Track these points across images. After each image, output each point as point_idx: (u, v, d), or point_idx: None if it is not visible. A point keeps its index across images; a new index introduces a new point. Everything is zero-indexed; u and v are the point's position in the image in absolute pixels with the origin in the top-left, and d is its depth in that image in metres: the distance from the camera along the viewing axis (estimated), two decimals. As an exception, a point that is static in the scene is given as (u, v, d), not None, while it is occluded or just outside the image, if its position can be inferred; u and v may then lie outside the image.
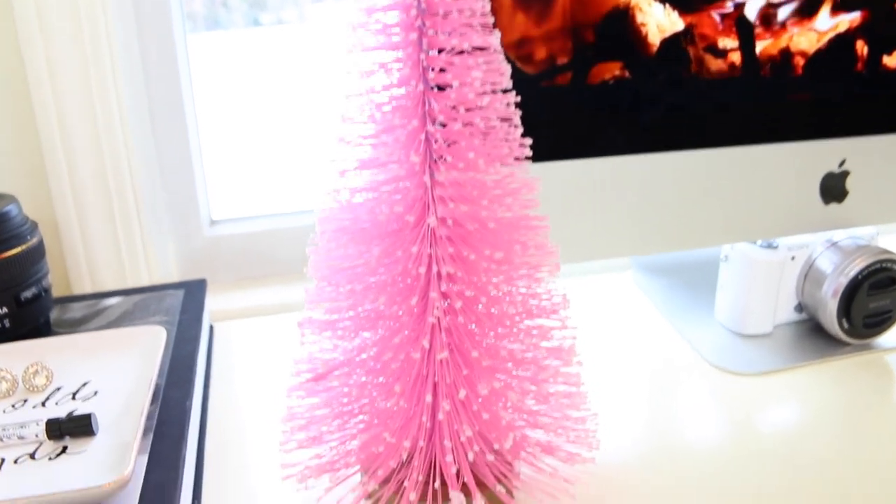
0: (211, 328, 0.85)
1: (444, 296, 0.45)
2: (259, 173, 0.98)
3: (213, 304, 0.92)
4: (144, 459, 0.54)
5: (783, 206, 0.77)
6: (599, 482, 0.59)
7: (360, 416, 0.49)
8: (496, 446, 0.48)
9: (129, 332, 0.66)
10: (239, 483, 0.60)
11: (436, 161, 0.44)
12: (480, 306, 0.45)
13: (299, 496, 0.58)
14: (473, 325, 0.47)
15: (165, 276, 0.93)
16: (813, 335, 0.80)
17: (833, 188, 0.78)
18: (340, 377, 0.48)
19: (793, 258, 0.78)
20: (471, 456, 0.47)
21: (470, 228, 0.44)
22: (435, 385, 0.46)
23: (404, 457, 0.48)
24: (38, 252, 0.70)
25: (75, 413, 0.56)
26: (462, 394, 0.45)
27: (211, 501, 0.58)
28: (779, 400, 0.69)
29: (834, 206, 0.78)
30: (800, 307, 0.81)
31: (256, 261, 0.99)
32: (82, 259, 0.87)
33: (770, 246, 0.78)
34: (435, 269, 0.44)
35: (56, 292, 0.88)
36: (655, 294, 0.90)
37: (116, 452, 0.51)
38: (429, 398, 0.46)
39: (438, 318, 0.45)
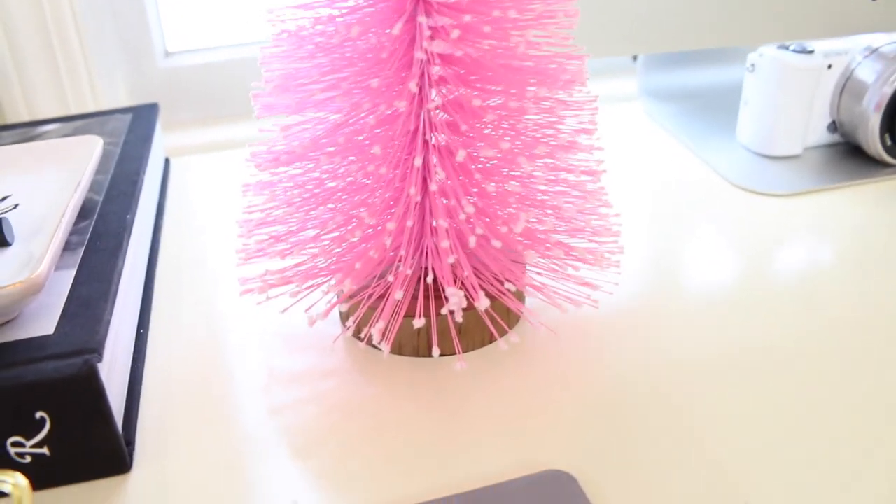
0: (167, 161, 0.74)
1: (437, 30, 0.35)
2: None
3: (171, 140, 0.82)
4: (72, 274, 0.44)
5: (822, 1, 0.66)
6: (619, 303, 0.50)
7: (333, 199, 0.39)
8: (504, 229, 0.38)
9: (58, 144, 0.55)
10: (194, 312, 0.51)
11: None
12: (486, 44, 0.35)
13: (262, 312, 0.49)
14: (475, 77, 0.36)
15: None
16: (849, 157, 0.70)
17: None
18: (304, 150, 0.38)
19: (829, 67, 0.68)
20: (472, 241, 0.37)
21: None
22: (426, 146, 0.36)
23: (388, 243, 0.38)
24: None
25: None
26: (461, 155, 0.35)
27: (160, 331, 0.49)
28: (811, 223, 0.59)
29: (882, 1, 0.67)
30: (833, 126, 0.71)
31: (217, 95, 0.88)
32: (17, 91, 0.76)
33: (804, 51, 0.67)
34: (424, -16, 0.34)
35: (-13, 124, 0.77)
36: (668, 122, 0.80)
37: (33, 262, 0.42)
38: (418, 161, 0.36)
39: (429, 54, 0.34)
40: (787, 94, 0.68)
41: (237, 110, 0.89)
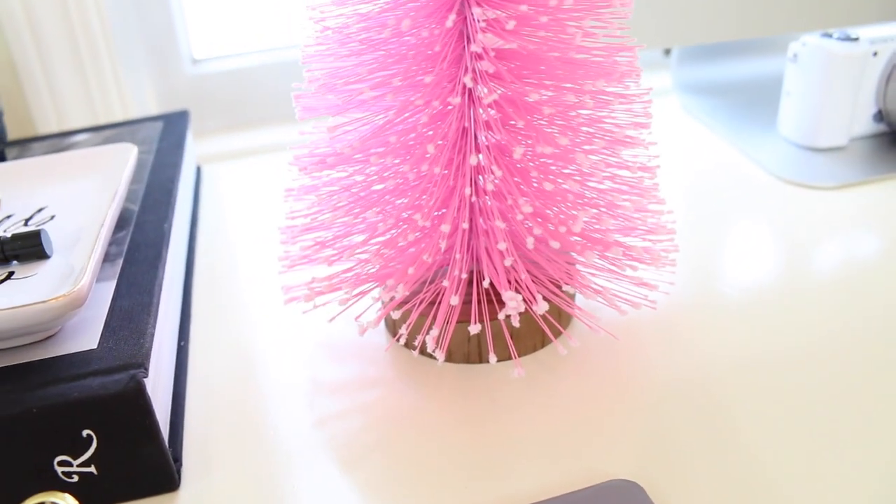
0: (198, 170, 0.73)
1: (490, 21, 0.33)
2: (244, 5, 0.85)
3: (200, 148, 0.81)
4: (112, 285, 0.43)
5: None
6: (670, 302, 0.48)
7: (383, 202, 0.38)
8: (562, 229, 0.37)
9: (92, 152, 0.54)
10: (233, 323, 0.49)
11: None
12: (542, 32, 0.33)
13: (308, 328, 0.47)
14: (529, 71, 0.35)
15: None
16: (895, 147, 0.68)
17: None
18: (353, 151, 0.36)
19: (875, 54, 0.66)
20: (530, 242, 0.36)
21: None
22: (479, 143, 0.35)
23: (442, 247, 0.36)
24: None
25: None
26: (518, 152, 0.34)
27: (200, 344, 0.48)
28: (859, 216, 0.57)
29: (928, -15, 0.65)
30: (879, 115, 0.69)
31: (245, 101, 0.87)
32: (47, 100, 0.75)
33: (848, 38, 0.65)
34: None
35: (20, 134, 0.77)
36: (706, 116, 0.78)
37: (75, 275, 0.41)
38: (474, 160, 0.34)
39: (483, 47, 0.33)
40: (832, 84, 0.66)
41: (266, 116, 0.88)
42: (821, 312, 0.46)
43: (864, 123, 0.69)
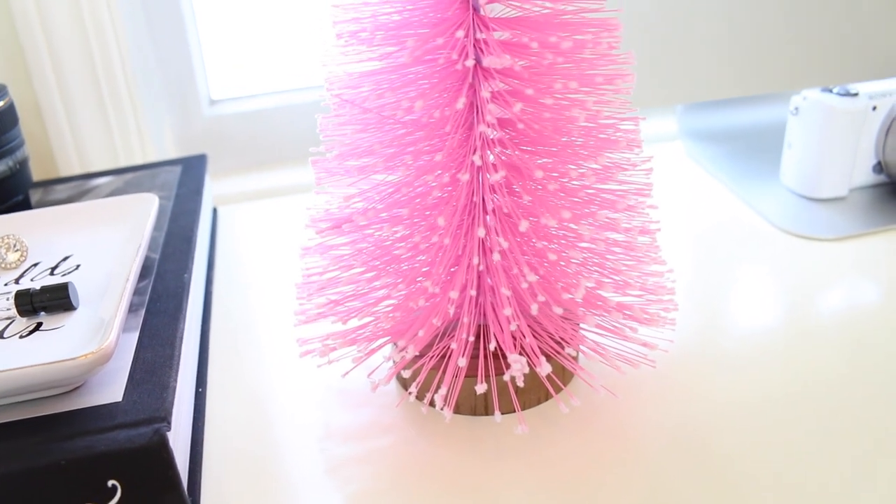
0: (215, 211, 0.75)
1: (498, 96, 0.35)
2: (262, 46, 0.87)
3: (216, 188, 0.83)
4: (135, 336, 0.45)
5: (864, 44, 0.66)
6: (672, 357, 0.50)
7: (395, 266, 0.40)
8: (566, 296, 0.39)
9: (115, 202, 0.56)
10: (249, 369, 0.51)
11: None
12: (547, 114, 0.35)
13: (322, 374, 0.49)
14: (534, 147, 0.37)
15: (163, 158, 0.84)
16: (895, 198, 0.70)
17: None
18: (367, 220, 0.39)
19: (874, 108, 0.68)
20: (534, 308, 0.38)
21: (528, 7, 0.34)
22: (486, 215, 0.37)
23: (451, 311, 0.38)
24: (5, 118, 0.60)
25: (53, 287, 0.47)
26: (524, 226, 0.36)
27: (217, 389, 0.50)
28: (861, 267, 0.59)
29: (925, 43, 0.67)
30: (879, 167, 0.71)
31: (261, 142, 0.89)
32: (69, 141, 0.78)
33: (848, 93, 0.67)
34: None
35: (43, 175, 0.79)
36: (709, 163, 0.80)
37: (100, 327, 0.43)
38: (481, 232, 0.36)
39: (491, 126, 0.35)
40: (832, 138, 0.68)
41: (282, 156, 0.90)
42: (822, 365, 0.48)
43: (863, 174, 0.71)
